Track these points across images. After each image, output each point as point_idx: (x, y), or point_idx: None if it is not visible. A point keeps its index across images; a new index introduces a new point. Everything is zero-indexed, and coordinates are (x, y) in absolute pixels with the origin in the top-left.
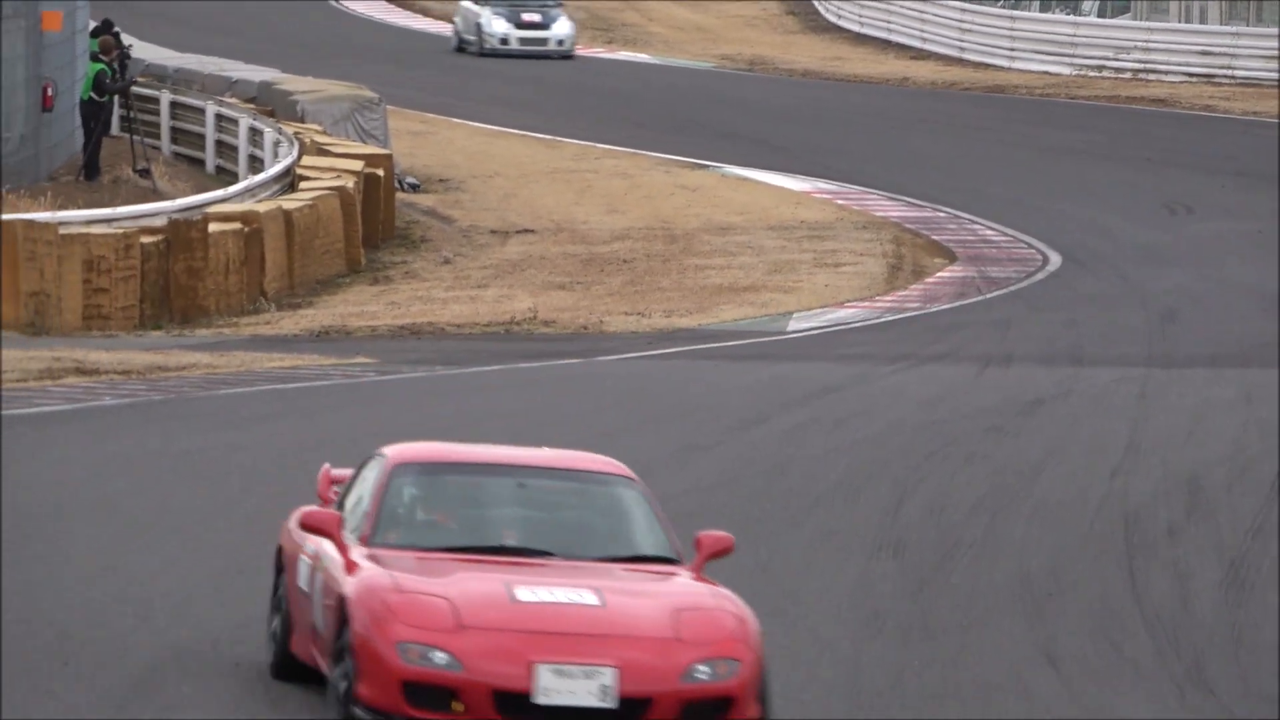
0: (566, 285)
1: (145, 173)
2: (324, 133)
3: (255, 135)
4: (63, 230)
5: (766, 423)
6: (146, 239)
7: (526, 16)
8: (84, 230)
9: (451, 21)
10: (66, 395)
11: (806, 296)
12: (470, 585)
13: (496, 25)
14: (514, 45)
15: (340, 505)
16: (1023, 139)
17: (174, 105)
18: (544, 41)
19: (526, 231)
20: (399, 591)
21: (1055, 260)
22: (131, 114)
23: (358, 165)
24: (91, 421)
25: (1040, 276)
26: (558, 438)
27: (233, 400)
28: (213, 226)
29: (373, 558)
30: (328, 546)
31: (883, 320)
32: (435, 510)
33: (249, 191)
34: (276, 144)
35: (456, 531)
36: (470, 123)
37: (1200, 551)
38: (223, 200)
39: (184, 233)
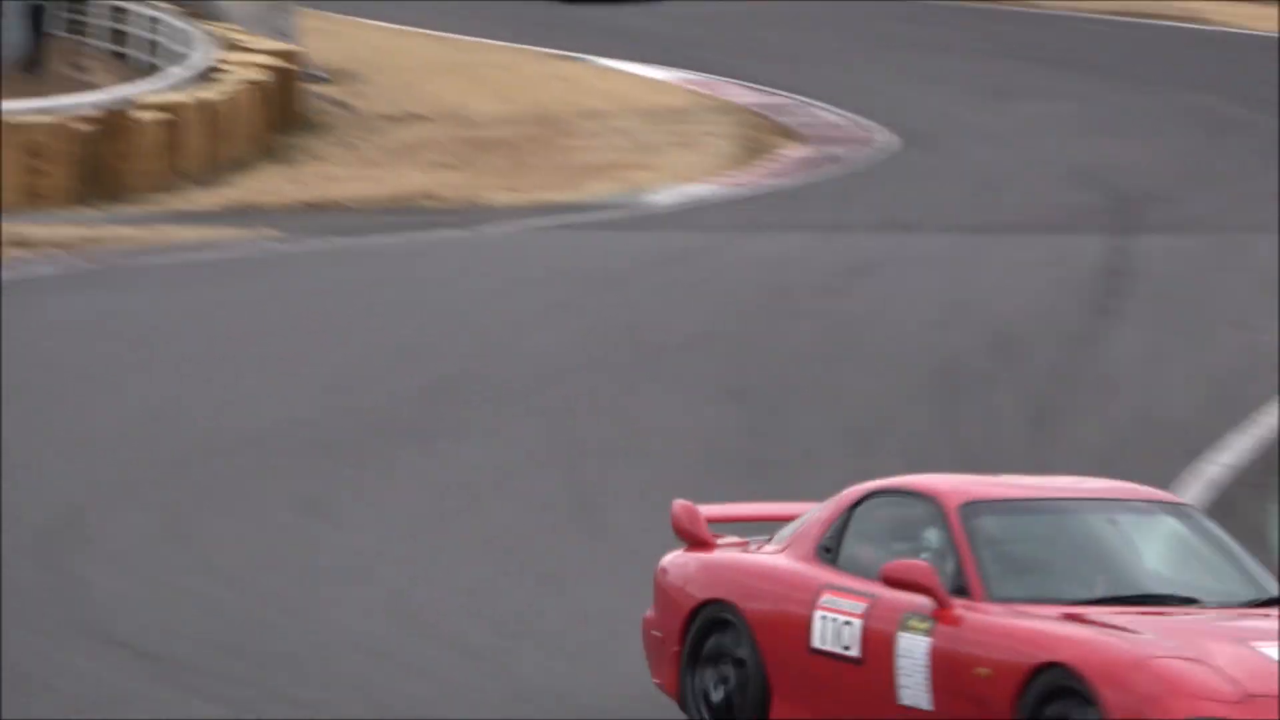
0: (455, 166)
1: (83, 68)
2: (241, 31)
3: (181, 34)
4: (5, 118)
5: (627, 285)
6: (79, 126)
7: None
8: (22, 119)
9: None
10: (8, 268)
11: (665, 174)
12: (1211, 646)
13: None
14: None
15: (828, 550)
16: (862, 30)
17: (111, 8)
18: None
19: (419, 118)
20: (1159, 659)
21: (891, 141)
22: (73, 16)
23: (270, 60)
24: (33, 289)
25: (876, 155)
26: (443, 300)
27: (157, 269)
28: (139, 114)
29: (1018, 613)
30: (905, 599)
31: (734, 195)
32: (1028, 554)
33: (172, 84)
34: (196, 40)
35: (1083, 579)
36: (373, 21)
37: (1009, 396)
38: (150, 92)
39: (115, 121)
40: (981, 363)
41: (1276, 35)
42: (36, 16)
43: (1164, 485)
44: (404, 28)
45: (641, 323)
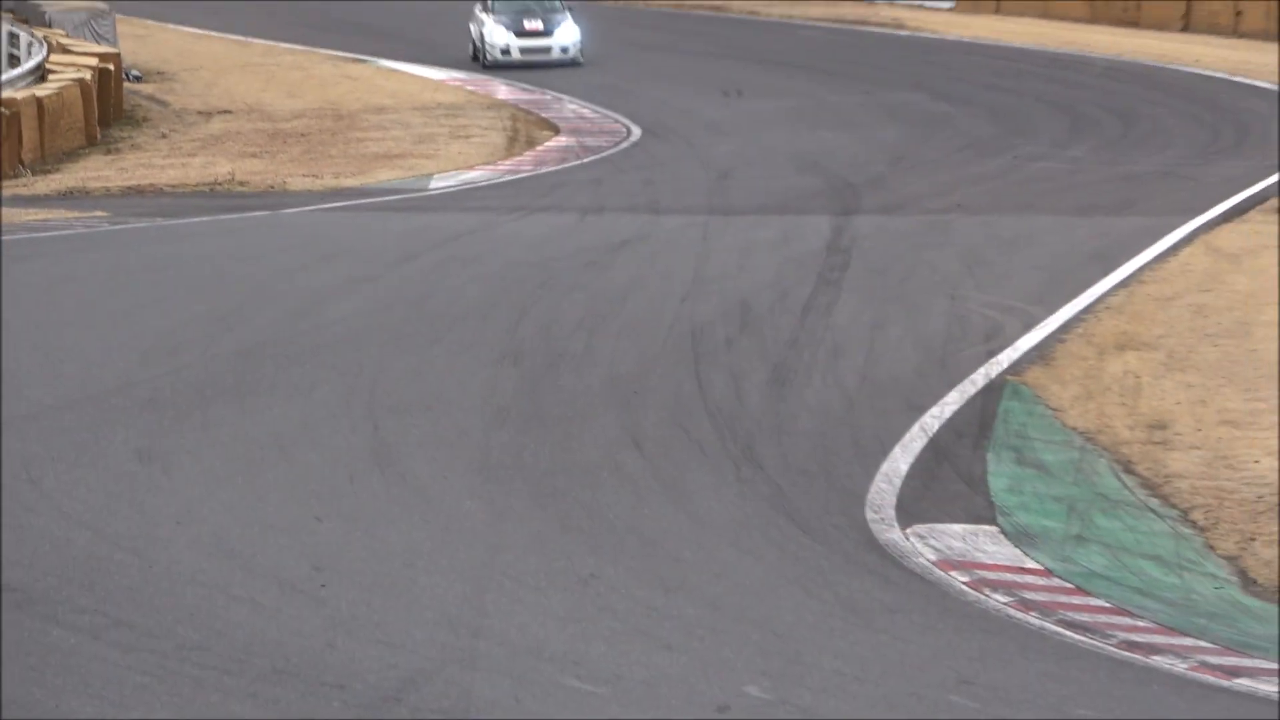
0: (257, 154)
1: None
2: (67, 36)
3: (13, 39)
4: None
5: (414, 260)
6: None
7: (528, 23)
8: None
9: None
10: None
11: (444, 162)
12: None
13: (497, 36)
14: (515, 56)
15: None
16: (610, 37)
17: None
18: (547, 50)
19: (225, 112)
20: None
21: (637, 132)
22: None
23: (93, 61)
24: None
25: (625, 145)
26: (252, 274)
27: None
28: None
29: None
30: None
31: (503, 180)
32: None
33: (8, 83)
34: (29, 45)
35: None
36: (181, 27)
37: (750, 359)
38: None
39: None
40: (725, 329)
41: (968, 39)
42: None
43: (887, 438)
44: (207, 32)
45: (428, 294)
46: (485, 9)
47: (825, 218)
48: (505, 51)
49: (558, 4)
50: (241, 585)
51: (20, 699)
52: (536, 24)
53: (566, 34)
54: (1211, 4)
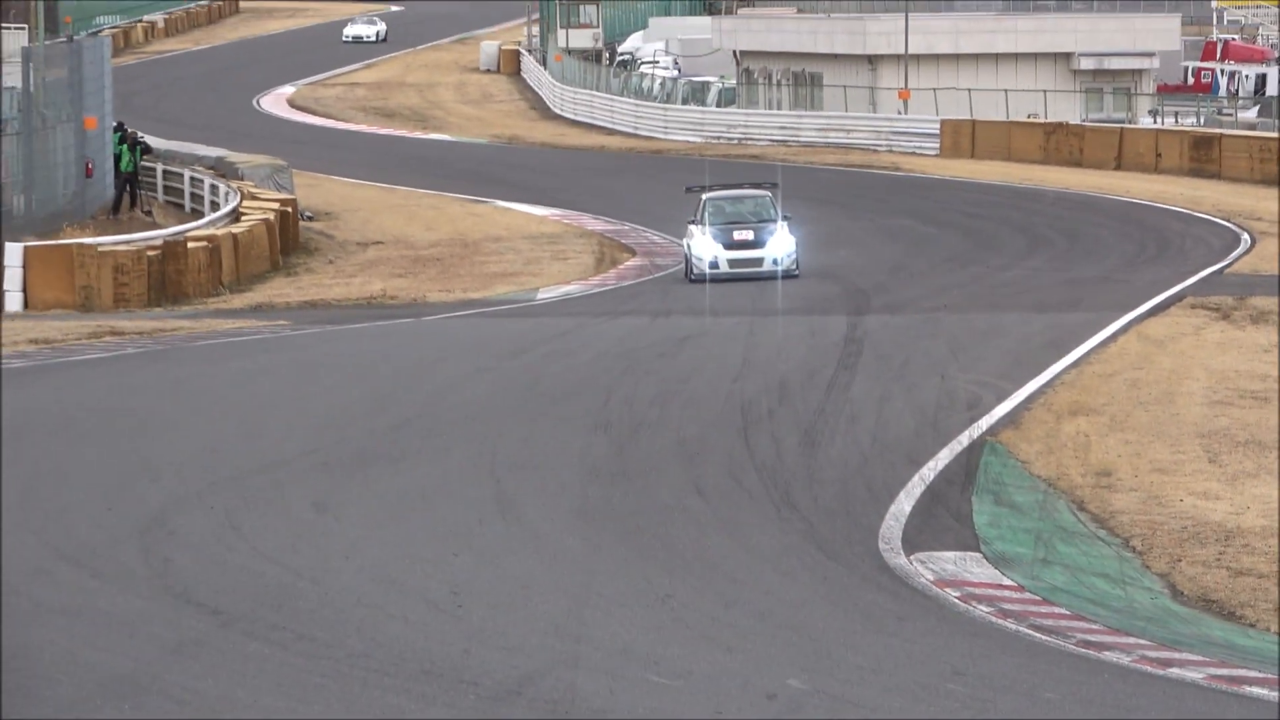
0: (403, 274)
1: (148, 213)
2: (255, 186)
3: (214, 189)
4: (100, 248)
5: (526, 354)
6: (151, 252)
7: (738, 234)
8: (113, 248)
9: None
10: (106, 348)
11: (547, 278)
12: None
13: (704, 249)
14: (723, 269)
15: None
16: (673, 181)
17: (165, 171)
18: (757, 263)
19: (377, 243)
20: None
21: None
22: (140, 177)
23: (276, 205)
24: (123, 363)
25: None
26: (400, 365)
27: (206, 348)
28: (190, 244)
29: None
30: None
31: (593, 291)
32: None
33: (211, 223)
34: (226, 194)
35: None
36: (341, 178)
37: (787, 425)
38: (196, 228)
39: (173, 248)
40: (768, 402)
41: (949, 177)
42: (129, 182)
43: (894, 485)
44: (363, 182)
45: (536, 379)
46: (696, 221)
47: (843, 316)
48: (713, 265)
49: (772, 211)
50: (396, 605)
51: (228, 698)
52: (747, 235)
53: (779, 245)
54: (1138, 147)
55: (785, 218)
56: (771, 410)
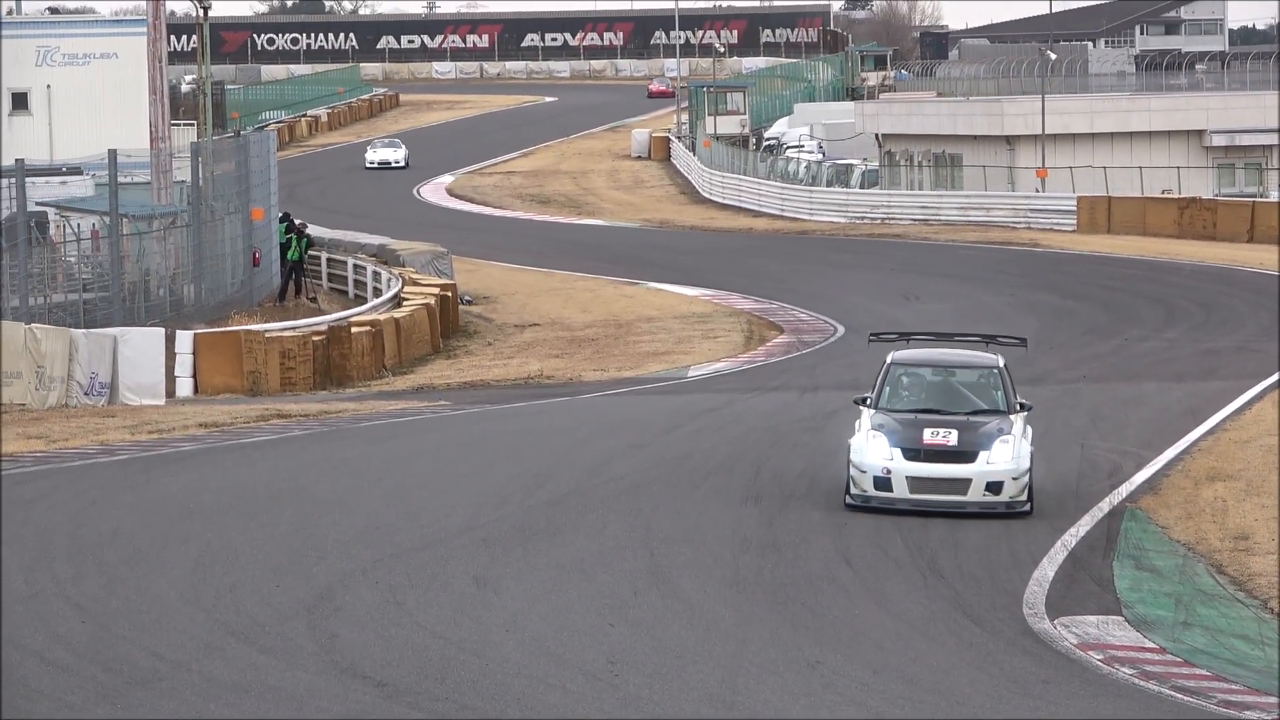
0: (559, 355)
1: (314, 299)
2: (416, 272)
3: (376, 276)
4: (267, 334)
5: (678, 429)
6: (316, 337)
7: (932, 435)
8: (279, 334)
9: None
10: (273, 430)
11: (698, 356)
12: None
13: (873, 452)
14: (900, 493)
15: None
16: (819, 260)
17: (329, 259)
18: (959, 486)
19: (534, 325)
20: None
21: (841, 330)
22: (305, 265)
23: (436, 290)
24: (290, 444)
25: (833, 339)
26: (557, 442)
27: (370, 428)
28: (354, 329)
29: None
30: None
31: (742, 369)
32: None
33: (374, 308)
34: (389, 280)
35: None
36: (499, 263)
37: None
38: (359, 314)
39: (337, 333)
40: None
41: (1087, 252)
42: (295, 271)
43: (1037, 551)
44: (520, 266)
45: (688, 454)
46: (870, 401)
47: None
48: (882, 483)
49: (1001, 393)
50: (555, 676)
51: None
52: (947, 437)
53: (1002, 458)
54: (1270, 220)
55: (1022, 406)
56: None
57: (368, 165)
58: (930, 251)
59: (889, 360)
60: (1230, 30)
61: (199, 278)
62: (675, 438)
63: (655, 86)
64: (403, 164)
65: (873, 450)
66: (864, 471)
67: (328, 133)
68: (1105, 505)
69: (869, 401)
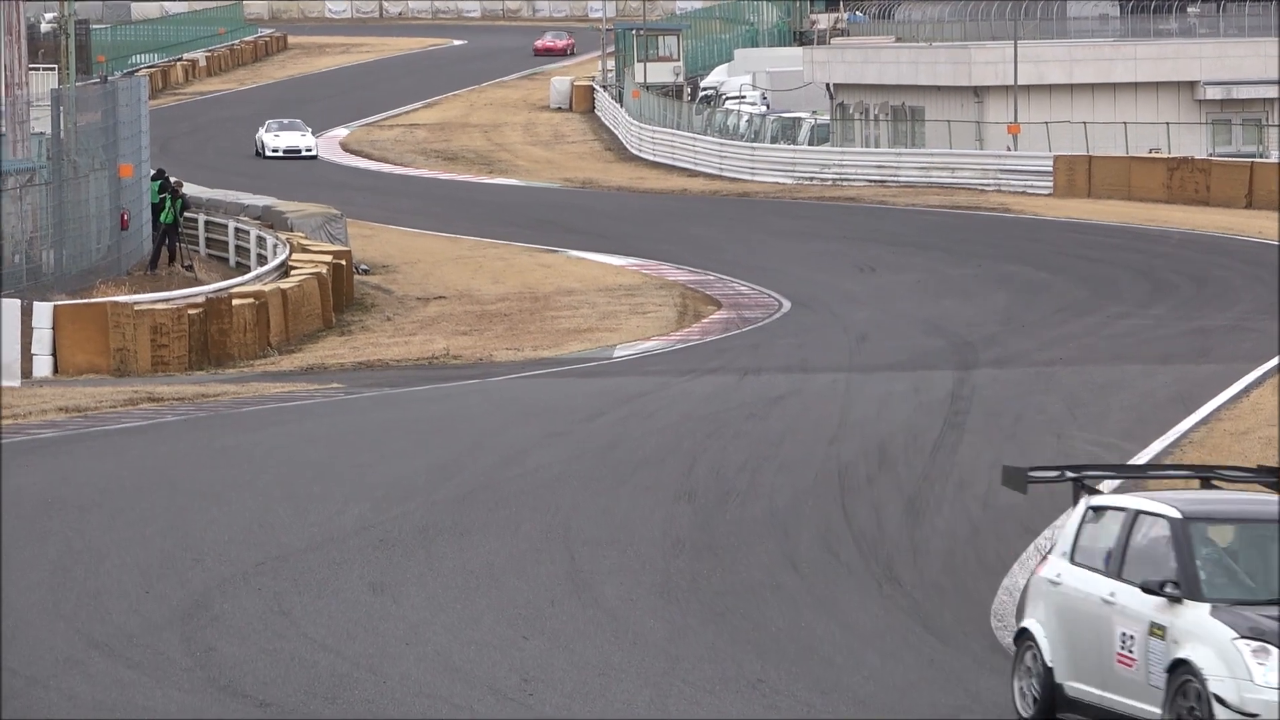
0: (468, 332)
1: (189, 268)
2: (306, 238)
3: (261, 241)
4: (137, 307)
5: (602, 416)
6: (192, 310)
7: None
8: (150, 307)
9: None
10: (142, 415)
11: (625, 334)
12: None
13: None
14: None
15: None
16: (762, 226)
17: (207, 223)
18: None
19: (440, 298)
20: None
21: (788, 305)
22: (181, 229)
23: (328, 258)
24: (162, 431)
25: (778, 316)
26: (465, 431)
27: (253, 414)
28: (235, 301)
29: None
30: None
31: (675, 348)
32: None
33: (258, 278)
34: (275, 246)
35: None
36: (400, 228)
37: (888, 492)
38: (241, 284)
39: (216, 306)
40: (866, 467)
41: (1064, 219)
42: (168, 235)
43: (1007, 556)
44: (423, 231)
45: (613, 444)
46: (1171, 590)
47: (949, 372)
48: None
49: None
50: (462, 695)
51: None
52: None
53: None
54: (1270, 183)
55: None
56: (871, 476)
57: (268, 154)
58: (888, 217)
59: (1163, 518)
60: None
61: (60, 242)
62: (599, 426)
63: (544, 41)
64: (313, 152)
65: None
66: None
67: (206, 79)
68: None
69: (1171, 589)
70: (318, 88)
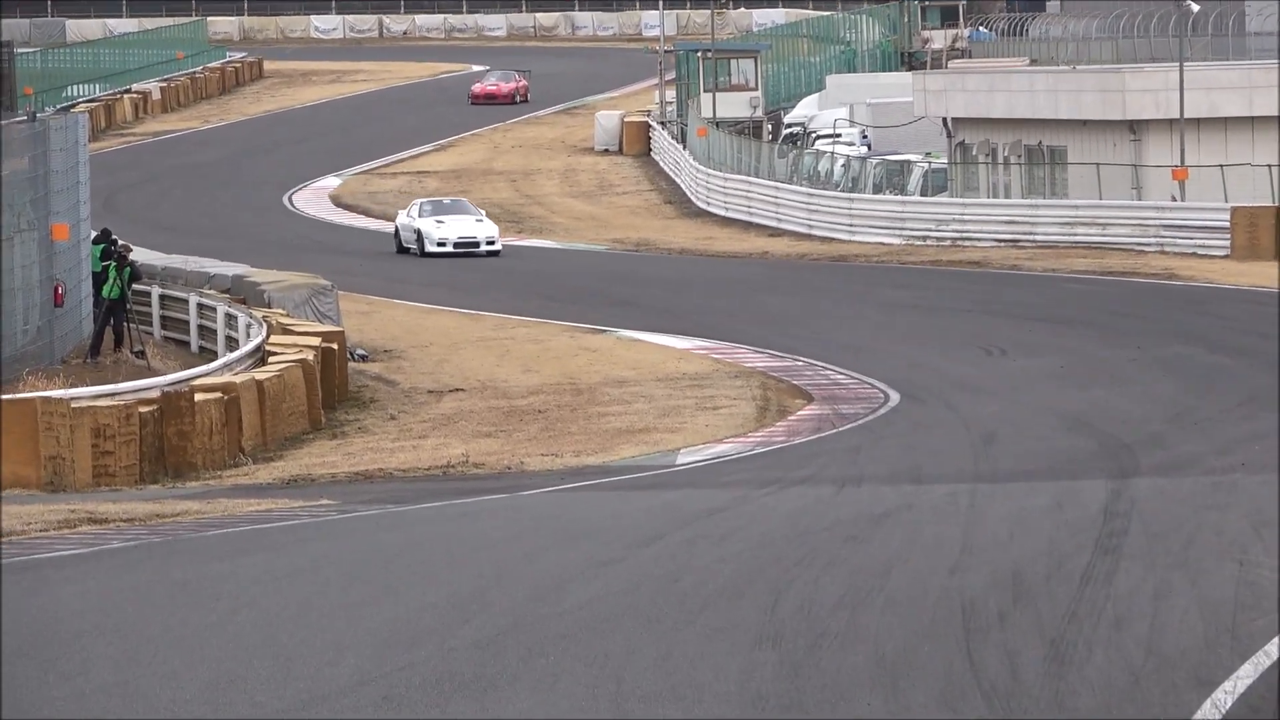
0: (492, 433)
1: (140, 353)
2: (287, 315)
3: (231, 320)
4: (74, 404)
5: (662, 540)
6: (144, 408)
7: None
8: (92, 404)
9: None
10: (81, 541)
11: (691, 435)
12: None
13: None
14: None
15: None
16: (862, 298)
17: (163, 297)
18: None
19: (457, 390)
20: None
21: (895, 397)
22: (129, 305)
23: (316, 341)
24: (107, 561)
25: (883, 411)
26: (490, 559)
27: (221, 539)
28: (198, 396)
29: None
30: None
31: (755, 453)
32: None
33: (227, 366)
34: (248, 326)
35: None
36: (407, 302)
37: (1024, 633)
38: (206, 374)
39: (174, 402)
40: (997, 602)
41: (1245, 287)
42: (114, 313)
43: (1177, 716)
44: (435, 307)
45: (676, 574)
46: None
47: (1100, 481)
48: None
49: None
50: None
51: None
52: None
53: None
54: None
55: None
56: (1004, 613)
57: (432, 249)
58: (1022, 285)
59: None
60: None
61: None
62: (658, 551)
63: (483, 85)
64: (496, 245)
65: None
66: None
67: (162, 115)
68: (1274, 649)
69: None
70: (301, 126)
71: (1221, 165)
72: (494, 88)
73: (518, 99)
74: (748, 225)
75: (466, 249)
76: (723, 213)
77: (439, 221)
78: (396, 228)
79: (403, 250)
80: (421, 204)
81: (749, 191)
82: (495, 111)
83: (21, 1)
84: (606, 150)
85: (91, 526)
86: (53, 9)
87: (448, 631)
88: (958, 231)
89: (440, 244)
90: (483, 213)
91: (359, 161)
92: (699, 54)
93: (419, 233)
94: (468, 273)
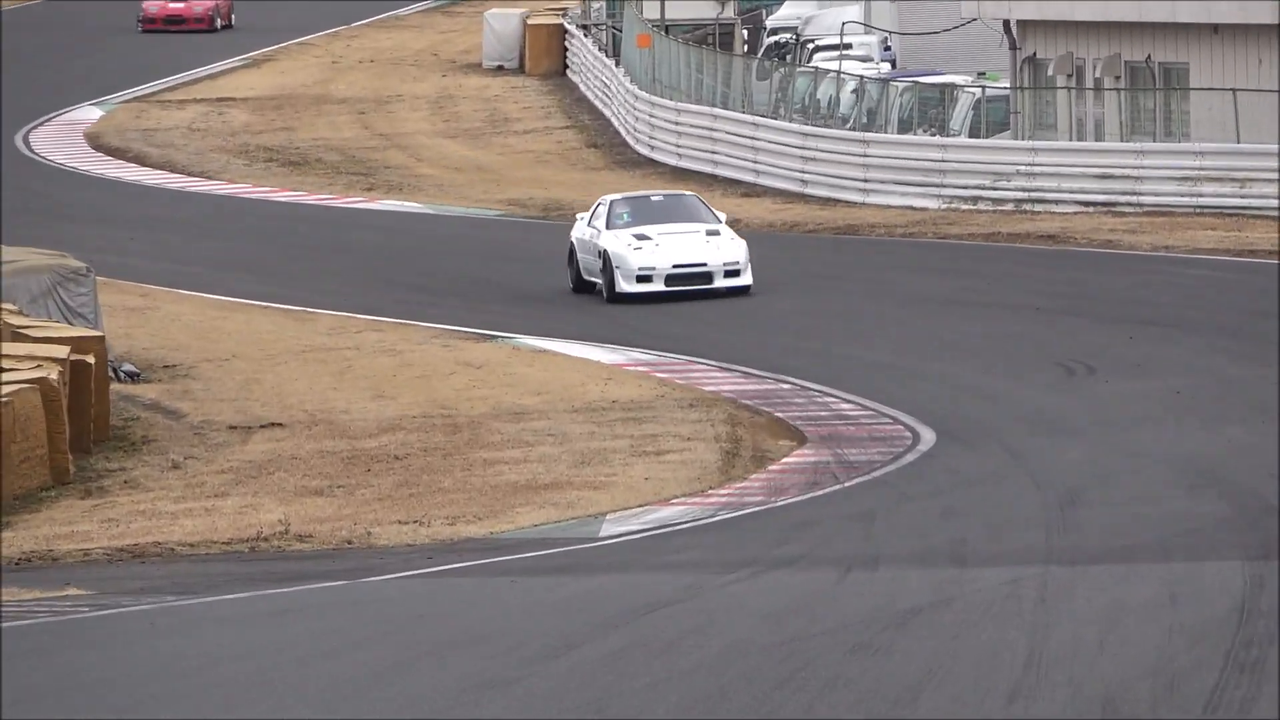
0: (325, 490)
1: None
2: (20, 312)
3: None
4: None
5: (578, 650)
6: None
7: None
8: None
9: None
10: None
11: (623, 493)
12: None
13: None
14: None
15: None
16: (881, 287)
17: None
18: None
19: (273, 425)
20: None
21: (928, 437)
22: None
23: (63, 351)
24: None
25: (910, 457)
26: (318, 677)
27: None
28: None
29: None
30: None
31: (718, 519)
32: None
33: None
34: None
35: None
36: (200, 294)
37: None
38: None
39: None
40: None
41: None
42: None
43: None
44: (242, 300)
45: (599, 701)
46: None
47: (1236, 564)
48: None
49: None
50: None
51: None
52: None
53: None
54: None
55: None
56: None
57: (630, 288)
58: (1120, 270)
59: None
60: None
61: None
62: (573, 668)
63: (163, 2)
64: (741, 274)
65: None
66: None
67: None
68: None
69: None
70: (37, 32)
71: None
72: (182, 7)
73: (216, 23)
74: (711, 179)
75: (691, 286)
76: (674, 161)
77: (640, 238)
78: (572, 245)
79: (584, 287)
80: (613, 203)
81: (713, 130)
82: (335, 8)
83: None
84: (500, 67)
85: None
86: None
87: None
88: (1024, 190)
89: (643, 278)
90: (721, 217)
91: (127, 85)
92: None
93: (606, 256)
94: (287, 251)
